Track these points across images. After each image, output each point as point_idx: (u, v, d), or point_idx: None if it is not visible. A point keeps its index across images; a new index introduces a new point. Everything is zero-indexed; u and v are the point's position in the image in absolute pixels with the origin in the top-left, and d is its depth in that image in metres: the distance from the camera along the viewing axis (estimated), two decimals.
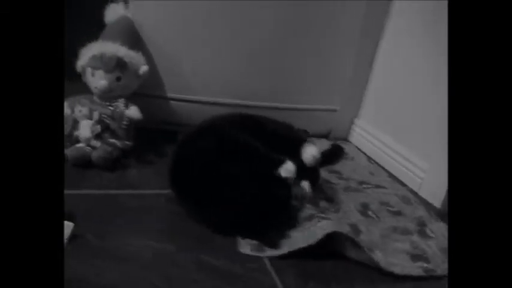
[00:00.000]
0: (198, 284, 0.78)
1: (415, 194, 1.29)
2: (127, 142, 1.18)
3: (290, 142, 1.10)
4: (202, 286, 0.77)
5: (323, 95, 1.57)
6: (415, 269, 0.92)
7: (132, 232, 0.89)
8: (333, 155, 1.25)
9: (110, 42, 1.15)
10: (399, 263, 0.92)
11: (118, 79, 1.15)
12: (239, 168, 0.94)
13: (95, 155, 1.10)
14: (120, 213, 0.95)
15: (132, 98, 1.21)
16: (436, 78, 1.29)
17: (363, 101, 1.61)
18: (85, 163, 1.10)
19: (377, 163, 1.47)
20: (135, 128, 1.21)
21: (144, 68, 1.19)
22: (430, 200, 1.25)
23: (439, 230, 1.08)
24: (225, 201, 0.92)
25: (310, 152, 1.06)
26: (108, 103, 1.16)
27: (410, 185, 1.33)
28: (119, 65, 1.14)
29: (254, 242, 0.92)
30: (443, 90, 1.25)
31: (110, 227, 0.89)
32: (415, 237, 1.03)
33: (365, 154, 1.53)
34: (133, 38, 1.25)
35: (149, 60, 1.26)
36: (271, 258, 0.88)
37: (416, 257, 0.95)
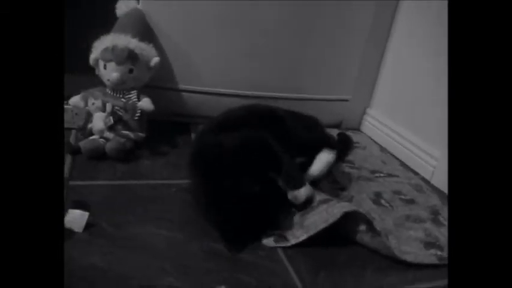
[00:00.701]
0: (211, 272, 0.79)
1: (428, 182, 1.28)
2: (140, 133, 1.19)
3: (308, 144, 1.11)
4: (216, 275, 0.78)
5: (335, 85, 1.57)
6: (428, 256, 0.91)
7: (145, 221, 0.90)
8: (342, 146, 1.27)
9: (122, 35, 1.16)
10: (412, 251, 0.92)
11: (130, 71, 1.16)
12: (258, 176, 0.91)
13: (108, 146, 1.12)
14: (134, 202, 0.96)
15: (144, 90, 1.22)
16: (447, 67, 1.27)
17: (375, 90, 1.60)
18: (99, 155, 1.12)
19: (389, 152, 1.46)
20: (148, 120, 1.22)
21: (155, 60, 1.20)
22: (442, 188, 1.24)
23: None
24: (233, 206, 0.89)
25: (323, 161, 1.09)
26: (120, 95, 1.18)
27: (423, 174, 1.32)
28: (131, 57, 1.15)
29: (277, 232, 0.92)
30: None
31: (124, 216, 0.90)
32: (428, 225, 1.03)
33: (377, 143, 1.53)
34: (144, 30, 1.26)
35: (160, 52, 1.27)
36: (283, 247, 0.88)
37: (429, 245, 0.95)
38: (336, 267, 0.86)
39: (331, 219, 0.88)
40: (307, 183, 0.98)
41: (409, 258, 0.89)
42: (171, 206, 0.98)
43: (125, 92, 1.18)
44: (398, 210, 1.08)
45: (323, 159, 1.10)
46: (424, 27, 1.38)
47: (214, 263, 0.81)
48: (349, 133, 1.52)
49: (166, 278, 0.76)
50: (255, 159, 0.91)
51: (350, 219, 0.90)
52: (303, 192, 0.95)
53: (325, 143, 1.14)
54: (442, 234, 1.00)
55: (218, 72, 1.41)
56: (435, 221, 1.05)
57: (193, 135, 1.34)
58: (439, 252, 0.93)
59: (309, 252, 0.88)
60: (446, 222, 1.05)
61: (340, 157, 1.27)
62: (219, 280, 0.76)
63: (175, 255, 0.82)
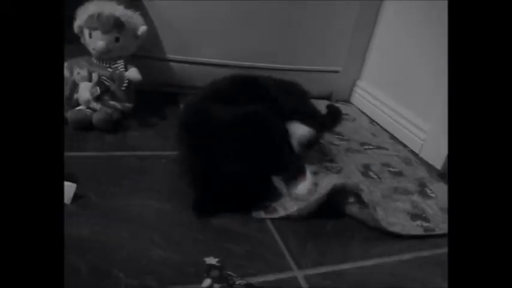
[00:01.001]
0: (202, 243, 0.79)
1: (416, 155, 1.29)
2: (127, 104, 1.18)
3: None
4: (205, 245, 0.79)
5: (325, 56, 1.55)
6: (414, 228, 0.93)
7: (134, 192, 0.90)
8: (331, 118, 1.26)
9: (107, 2, 1.12)
10: (399, 223, 0.93)
11: (116, 40, 1.13)
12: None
13: (95, 117, 1.10)
14: (122, 174, 0.95)
15: (131, 60, 1.19)
16: (437, 39, 1.26)
17: (365, 62, 1.59)
18: (86, 126, 1.10)
19: (379, 124, 1.47)
20: (135, 90, 1.20)
21: (142, 28, 1.17)
22: (431, 161, 1.25)
23: (440, 190, 1.09)
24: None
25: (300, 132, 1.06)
26: (107, 65, 1.15)
27: (412, 147, 1.33)
28: (117, 25, 1.11)
29: (267, 203, 0.92)
30: (445, 52, 1.23)
31: (112, 188, 0.90)
32: (416, 197, 1.04)
33: (367, 116, 1.53)
34: None
35: (148, 21, 1.24)
36: (273, 218, 0.89)
37: (416, 216, 0.96)
38: (323, 238, 0.87)
39: (323, 191, 0.89)
40: (308, 173, 0.96)
41: (396, 229, 0.91)
42: (160, 177, 0.97)
43: (111, 61, 1.15)
44: (387, 182, 1.09)
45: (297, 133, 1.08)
46: (414, 1, 1.36)
47: (203, 234, 0.82)
48: (338, 105, 1.52)
49: (155, 249, 0.76)
50: (250, 138, 0.90)
51: (339, 191, 0.91)
52: (303, 186, 0.94)
53: (310, 112, 1.13)
54: (428, 206, 1.01)
55: (208, 42, 1.38)
56: (422, 193, 1.07)
57: (181, 106, 1.32)
58: (425, 224, 0.95)
59: (298, 223, 0.89)
60: (433, 195, 1.07)
61: (328, 128, 1.27)
62: (208, 251, 0.77)
63: (164, 226, 0.82)
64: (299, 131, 1.07)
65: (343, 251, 0.85)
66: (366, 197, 0.92)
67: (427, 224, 0.94)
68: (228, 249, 0.79)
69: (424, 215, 0.98)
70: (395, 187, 1.07)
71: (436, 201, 1.03)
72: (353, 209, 0.92)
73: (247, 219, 0.88)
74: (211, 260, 0.74)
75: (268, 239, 0.84)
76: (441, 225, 0.95)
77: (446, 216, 0.98)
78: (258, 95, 1.05)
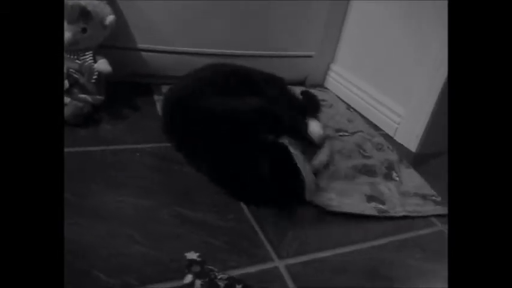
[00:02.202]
0: (181, 238, 0.79)
1: (391, 138, 1.31)
2: (98, 97, 1.14)
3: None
4: (186, 240, 0.78)
5: (298, 41, 1.54)
6: (369, 209, 0.95)
7: (110, 189, 0.88)
8: (312, 108, 1.28)
9: None
10: (352, 203, 0.95)
11: (83, 30, 1.09)
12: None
13: (65, 112, 1.06)
14: (97, 170, 0.93)
15: (100, 51, 1.15)
16: (410, 21, 1.27)
17: (339, 46, 1.59)
18: None
19: (355, 110, 1.48)
20: (106, 82, 1.17)
21: (110, 18, 1.13)
22: (406, 144, 1.27)
23: (406, 175, 1.11)
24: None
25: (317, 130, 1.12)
26: (75, 57, 1.11)
27: (387, 130, 1.35)
28: (83, 15, 1.07)
29: None
30: (419, 34, 1.24)
31: (87, 185, 0.88)
32: (378, 180, 1.06)
33: (343, 101, 1.53)
34: None
35: (116, 9, 1.19)
36: (251, 209, 0.89)
37: (371, 198, 0.99)
38: (302, 226, 0.88)
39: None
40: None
41: (347, 209, 0.92)
42: (136, 171, 0.96)
43: (79, 53, 1.11)
44: (355, 161, 1.11)
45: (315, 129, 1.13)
46: None
47: (183, 229, 0.81)
48: (314, 91, 1.52)
49: (136, 246, 0.75)
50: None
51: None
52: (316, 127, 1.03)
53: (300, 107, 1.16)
54: (387, 188, 1.03)
55: (179, 30, 1.35)
56: (387, 176, 1.09)
57: (156, 97, 1.29)
58: (379, 205, 0.97)
59: (276, 213, 0.89)
60: (397, 178, 1.09)
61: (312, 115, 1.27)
62: (189, 245, 0.76)
63: (143, 222, 0.81)
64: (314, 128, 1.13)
65: (323, 239, 0.86)
66: (322, 178, 0.93)
67: (382, 206, 0.97)
68: (208, 243, 0.78)
69: (381, 198, 1.00)
70: (364, 164, 1.09)
71: (398, 185, 1.06)
72: (307, 195, 0.92)
73: (226, 212, 0.87)
74: (192, 255, 0.73)
75: (248, 230, 0.84)
76: (397, 208, 0.97)
77: (404, 200, 1.00)
78: (252, 90, 1.06)
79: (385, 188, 1.03)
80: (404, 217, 0.96)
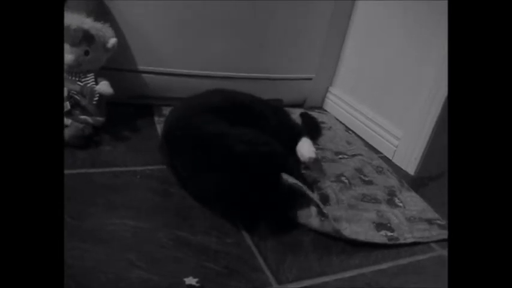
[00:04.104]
0: (180, 262, 0.78)
1: (389, 161, 1.31)
2: (99, 118, 1.15)
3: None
4: (184, 264, 0.78)
5: (298, 64, 1.56)
6: (378, 237, 0.95)
7: (110, 211, 0.88)
8: (310, 128, 1.29)
9: (75, 14, 1.09)
10: (363, 231, 0.95)
11: (85, 53, 1.10)
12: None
13: (66, 133, 1.07)
14: (96, 192, 0.93)
15: (101, 73, 1.17)
16: (410, 44, 1.29)
17: (338, 69, 1.61)
18: None
19: (354, 132, 1.49)
20: (107, 103, 1.18)
21: (112, 41, 1.15)
22: (404, 167, 1.28)
23: (408, 199, 1.11)
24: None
25: (307, 153, 1.09)
26: (76, 79, 1.12)
27: (385, 153, 1.35)
28: (86, 38, 1.09)
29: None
30: (417, 57, 1.26)
31: (87, 207, 0.88)
32: (383, 206, 1.06)
33: (342, 123, 1.54)
34: (99, 9, 1.19)
35: (118, 32, 1.21)
36: (250, 233, 0.89)
37: (380, 226, 0.98)
38: (301, 251, 0.88)
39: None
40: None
41: (359, 237, 0.92)
42: (135, 194, 0.96)
43: (81, 75, 1.12)
44: (356, 189, 1.11)
45: (305, 152, 1.10)
46: (386, 8, 1.38)
47: (182, 253, 0.81)
48: (313, 113, 1.53)
49: (135, 270, 0.74)
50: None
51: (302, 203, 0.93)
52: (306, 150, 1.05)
53: (299, 131, 1.16)
54: (394, 215, 1.03)
55: (180, 53, 1.37)
56: (390, 202, 1.09)
57: (156, 118, 1.30)
58: (389, 233, 0.96)
59: (275, 238, 0.89)
60: (400, 204, 1.09)
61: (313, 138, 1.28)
62: (187, 270, 0.76)
63: (142, 245, 0.80)
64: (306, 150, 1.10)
65: (322, 264, 0.85)
66: (330, 209, 0.93)
67: (391, 234, 0.96)
68: (207, 267, 0.78)
69: (389, 225, 0.99)
70: (364, 194, 1.09)
71: (403, 211, 1.05)
72: (314, 222, 0.93)
73: (225, 236, 0.87)
74: (191, 280, 0.73)
75: (247, 255, 0.83)
76: (406, 234, 0.97)
77: (411, 226, 1.00)
78: (257, 122, 1.06)
79: (392, 215, 1.03)
80: (414, 244, 0.95)
